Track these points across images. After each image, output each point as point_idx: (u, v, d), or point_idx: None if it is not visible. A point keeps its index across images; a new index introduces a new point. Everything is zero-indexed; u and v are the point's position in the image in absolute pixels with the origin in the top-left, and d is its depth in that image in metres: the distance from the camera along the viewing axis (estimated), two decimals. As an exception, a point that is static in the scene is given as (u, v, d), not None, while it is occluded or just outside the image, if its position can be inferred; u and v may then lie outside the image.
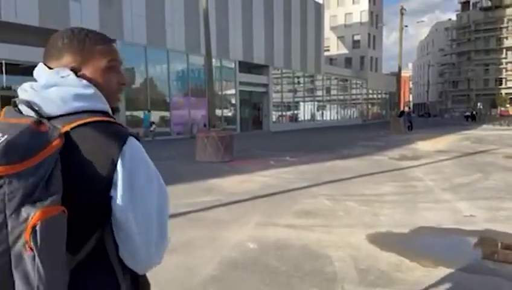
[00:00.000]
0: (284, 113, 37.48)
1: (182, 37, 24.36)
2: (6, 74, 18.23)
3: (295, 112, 39.18)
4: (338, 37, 55.65)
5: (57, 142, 0.85)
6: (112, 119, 0.98)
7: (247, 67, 31.31)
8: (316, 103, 42.52)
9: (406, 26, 31.46)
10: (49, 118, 0.92)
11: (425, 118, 71.58)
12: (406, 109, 33.53)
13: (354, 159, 12.80)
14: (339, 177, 9.29)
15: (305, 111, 40.56)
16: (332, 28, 55.40)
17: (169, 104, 24.25)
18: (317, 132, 30.89)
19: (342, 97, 48.27)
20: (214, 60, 27.77)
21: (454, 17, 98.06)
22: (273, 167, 11.27)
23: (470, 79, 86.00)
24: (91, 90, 0.98)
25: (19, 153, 0.80)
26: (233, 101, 30.38)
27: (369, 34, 54.08)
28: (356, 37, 54.36)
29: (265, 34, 32.34)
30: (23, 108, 0.93)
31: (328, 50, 53.09)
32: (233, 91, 30.06)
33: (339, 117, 47.43)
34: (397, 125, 28.74)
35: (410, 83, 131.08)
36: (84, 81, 0.99)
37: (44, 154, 0.83)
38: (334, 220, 5.77)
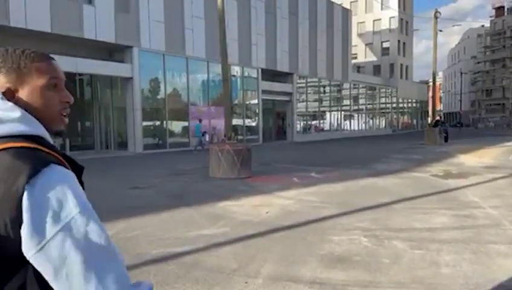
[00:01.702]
0: (309, 122, 35.77)
1: (202, 43, 23.17)
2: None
3: (321, 121, 37.40)
4: (366, 44, 53.57)
5: None
6: (32, 145, 0.84)
7: (270, 75, 29.90)
8: (342, 112, 40.61)
9: (441, 30, 29.42)
10: None
11: (457, 128, 68.39)
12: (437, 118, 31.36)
13: (392, 177, 11.07)
14: (377, 202, 7.63)
15: (331, 121, 38.72)
16: (360, 35, 53.42)
17: (188, 113, 23.03)
18: (344, 142, 29.08)
19: (370, 106, 46.15)
20: (236, 68, 26.74)
21: (487, 24, 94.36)
22: (296, 185, 9.70)
23: (505, 87, 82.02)
24: (17, 113, 0.88)
25: None
26: (256, 111, 28.98)
27: (399, 41, 51.83)
28: (385, 44, 52.17)
29: (289, 40, 30.88)
30: None
31: (356, 57, 51.09)
32: (256, 100, 28.67)
33: (367, 127, 45.33)
34: (432, 136, 26.62)
35: (441, 92, 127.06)
36: (10, 104, 0.89)
37: None
38: (377, 272, 4.16)
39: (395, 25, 51.86)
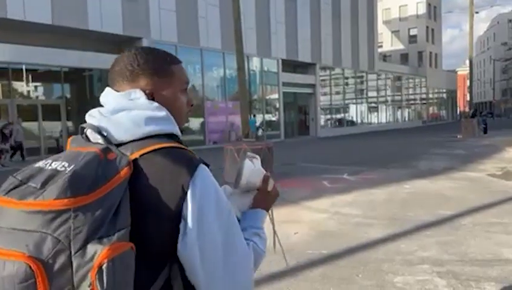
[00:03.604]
0: (333, 116, 33.71)
1: (218, 34, 21.50)
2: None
3: (346, 114, 35.28)
4: (392, 32, 50.80)
5: (125, 171, 0.79)
6: (182, 146, 0.91)
7: (291, 66, 28.04)
8: (367, 104, 38.32)
9: (477, 12, 26.93)
10: (118, 145, 0.86)
11: (489, 118, 64.83)
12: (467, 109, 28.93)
13: (442, 178, 9.21)
14: (438, 216, 5.86)
15: (357, 113, 36.51)
16: (386, 22, 50.70)
17: (204, 109, 21.47)
18: (372, 136, 27.03)
19: (398, 97, 43.62)
20: (254, 60, 25.02)
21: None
22: (327, 191, 7.99)
23: (540, 74, 77.45)
24: (163, 113, 0.92)
25: (86, 184, 0.74)
26: (276, 105, 27.20)
27: (427, 28, 48.88)
28: (413, 31, 49.31)
29: (311, 29, 28.89)
30: (91, 135, 0.88)
31: (381, 46, 48.37)
32: (276, 95, 26.88)
33: (395, 119, 42.92)
34: (470, 128, 24.33)
35: (468, 81, 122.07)
36: (155, 103, 0.92)
37: (112, 185, 0.76)
38: None
39: (422, 10, 48.90)
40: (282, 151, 15.65)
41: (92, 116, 0.90)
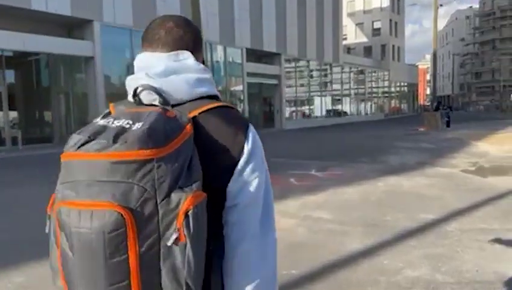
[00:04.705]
0: (297, 108, 33.15)
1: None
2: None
3: (310, 107, 34.83)
4: (356, 24, 50.83)
5: (189, 127, 0.82)
6: (231, 105, 0.97)
7: (256, 56, 27.13)
8: (332, 97, 38.04)
9: (441, 5, 26.97)
10: (173, 105, 0.88)
11: (447, 112, 66.62)
12: (427, 103, 29.18)
13: (415, 175, 8.64)
14: (420, 221, 5.18)
15: (322, 106, 36.13)
16: (350, 15, 50.63)
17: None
18: (337, 129, 26.67)
19: (362, 90, 43.68)
20: (218, 49, 23.92)
21: (475, 5, 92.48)
22: (295, 191, 7.18)
23: (495, 69, 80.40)
24: (210, 75, 0.98)
25: (162, 137, 0.77)
26: (241, 97, 26.25)
27: (390, 21, 49.20)
28: (376, 24, 49.51)
29: (276, 18, 28.06)
30: (147, 96, 0.88)
31: (346, 38, 48.32)
32: (240, 86, 25.92)
33: (358, 112, 42.99)
34: (433, 121, 24.42)
35: (428, 75, 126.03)
36: (202, 65, 0.97)
37: (182, 138, 0.79)
38: None
39: (386, 3, 49.16)
40: (246, 145, 14.75)
41: (140, 78, 0.90)
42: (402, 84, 54.18)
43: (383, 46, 48.91)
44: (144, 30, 0.99)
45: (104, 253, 0.72)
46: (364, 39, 50.40)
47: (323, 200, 6.52)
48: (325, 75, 37.00)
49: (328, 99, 37.41)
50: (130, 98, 0.91)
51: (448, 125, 24.77)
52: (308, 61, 32.93)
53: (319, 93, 35.70)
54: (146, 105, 0.87)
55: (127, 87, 0.92)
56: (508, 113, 50.27)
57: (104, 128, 0.78)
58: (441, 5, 26.66)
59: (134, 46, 18.47)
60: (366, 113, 44.49)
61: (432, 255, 4.01)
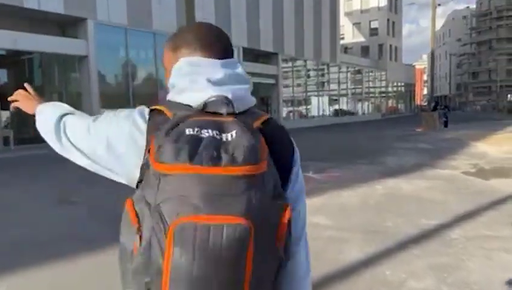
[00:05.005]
0: (294, 108, 32.92)
1: (173, 15, 19.95)
2: None
3: (307, 107, 34.61)
4: (353, 24, 50.67)
5: (263, 139, 0.83)
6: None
7: (253, 55, 26.90)
8: (328, 97, 37.84)
9: (439, 4, 26.80)
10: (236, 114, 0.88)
11: (445, 112, 66.54)
12: (425, 103, 29.08)
13: (414, 177, 8.43)
14: (421, 227, 4.96)
15: (319, 106, 35.92)
16: (347, 14, 50.44)
17: (158, 98, 20.01)
18: (334, 129, 26.47)
19: (359, 90, 43.50)
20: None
21: (472, 6, 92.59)
22: (292, 194, 6.94)
23: (492, 70, 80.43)
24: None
25: (258, 150, 0.79)
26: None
27: (388, 20, 49.03)
28: (374, 24, 49.35)
29: (273, 17, 27.85)
30: (215, 105, 0.85)
31: (343, 38, 48.16)
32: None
33: (354, 112, 42.81)
34: (431, 121, 24.27)
35: (425, 75, 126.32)
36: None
37: (266, 150, 0.81)
38: None
39: (383, 2, 48.99)
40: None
41: (200, 84, 0.89)
42: (399, 84, 54.06)
43: (380, 46, 48.78)
44: (179, 32, 0.99)
45: (232, 265, 0.74)
46: (361, 39, 50.24)
47: (321, 204, 6.29)
48: (322, 75, 36.81)
49: (325, 99, 37.22)
50: (181, 100, 0.87)
51: (446, 125, 24.63)
52: (305, 61, 32.72)
53: (316, 93, 35.48)
54: (213, 113, 0.84)
55: (181, 89, 0.89)
56: (505, 113, 50.20)
57: (198, 139, 0.77)
58: (439, 5, 26.50)
59: (129, 45, 18.22)
60: (363, 113, 44.33)
61: (437, 265, 3.79)
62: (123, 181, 0.95)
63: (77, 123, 1.02)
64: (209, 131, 0.78)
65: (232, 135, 0.78)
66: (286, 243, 0.81)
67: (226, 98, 0.85)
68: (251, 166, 0.75)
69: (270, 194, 0.78)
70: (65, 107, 1.11)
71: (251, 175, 0.75)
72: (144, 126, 0.88)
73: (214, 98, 0.85)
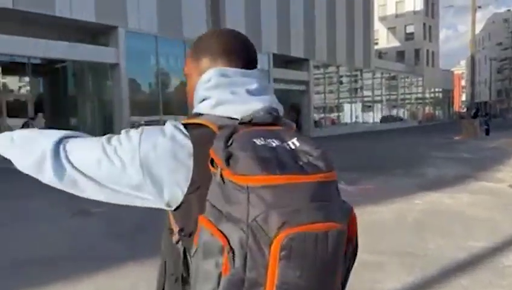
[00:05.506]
0: (326, 115, 32.20)
1: (203, 23, 19.86)
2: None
3: (340, 114, 33.80)
4: (388, 29, 49.39)
5: None
6: None
7: (283, 62, 26.49)
8: (362, 103, 36.85)
9: (480, 7, 25.57)
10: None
11: (486, 119, 63.67)
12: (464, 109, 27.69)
13: (456, 191, 7.73)
14: (468, 251, 4.37)
15: (351, 113, 35.03)
16: (381, 19, 49.24)
17: (188, 107, 19.87)
18: (368, 137, 25.59)
19: (394, 96, 42.19)
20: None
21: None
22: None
23: (535, 74, 76.58)
24: None
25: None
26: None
27: (424, 24, 47.49)
28: (409, 28, 47.90)
29: (304, 23, 27.36)
30: (264, 115, 0.84)
31: (377, 43, 47.04)
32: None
33: (404, 118, 41.44)
34: (471, 129, 23.04)
35: (463, 81, 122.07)
36: None
37: None
38: None
39: (419, 6, 47.52)
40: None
41: (242, 96, 0.89)
42: (436, 90, 52.19)
43: (417, 51, 47.22)
44: (202, 39, 0.97)
45: (333, 273, 0.76)
46: (396, 44, 48.88)
47: (353, 220, 5.77)
48: (356, 81, 35.91)
49: (359, 105, 36.27)
50: (221, 112, 0.87)
51: (487, 133, 23.34)
52: (337, 67, 32.02)
53: (349, 100, 34.65)
54: (260, 124, 0.83)
55: (220, 101, 0.87)
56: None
57: (272, 148, 0.76)
58: (479, 7, 25.27)
59: (159, 52, 18.24)
60: (401, 119, 43.01)
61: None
62: (155, 205, 0.86)
63: (84, 146, 0.88)
64: (274, 140, 0.78)
65: (294, 143, 0.78)
66: (347, 249, 0.80)
67: (272, 108, 0.87)
68: (333, 172, 0.77)
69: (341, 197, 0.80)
70: (46, 131, 0.94)
71: (335, 180, 0.78)
72: (185, 142, 0.83)
73: (260, 109, 0.85)
